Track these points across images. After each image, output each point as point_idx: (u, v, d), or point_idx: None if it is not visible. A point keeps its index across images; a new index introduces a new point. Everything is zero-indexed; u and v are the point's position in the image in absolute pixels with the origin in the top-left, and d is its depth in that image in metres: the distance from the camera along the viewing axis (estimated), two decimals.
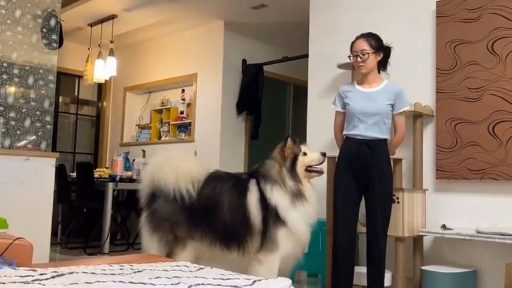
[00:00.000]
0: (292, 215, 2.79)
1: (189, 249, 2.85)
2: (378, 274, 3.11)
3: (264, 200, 2.82)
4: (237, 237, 2.78)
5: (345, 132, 3.17)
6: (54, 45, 4.09)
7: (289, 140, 3.07)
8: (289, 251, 2.77)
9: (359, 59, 3.07)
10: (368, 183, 3.04)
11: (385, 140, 3.10)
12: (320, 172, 3.09)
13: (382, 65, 3.22)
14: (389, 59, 3.26)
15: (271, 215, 2.75)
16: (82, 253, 5.29)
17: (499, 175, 3.37)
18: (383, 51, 3.15)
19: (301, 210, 2.84)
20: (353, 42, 3.18)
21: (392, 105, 3.08)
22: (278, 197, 2.81)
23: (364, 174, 3.01)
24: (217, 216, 2.82)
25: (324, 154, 3.10)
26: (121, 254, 5.29)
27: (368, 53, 3.06)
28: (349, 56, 3.21)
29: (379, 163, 3.04)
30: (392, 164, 3.77)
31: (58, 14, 4.12)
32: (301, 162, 3.04)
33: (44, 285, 1.48)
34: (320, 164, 3.08)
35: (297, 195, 2.86)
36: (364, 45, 3.09)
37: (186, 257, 2.76)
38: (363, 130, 3.04)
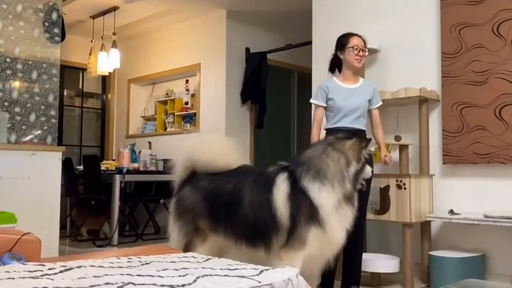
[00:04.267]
0: (333, 220, 2.50)
1: (209, 242, 2.74)
2: (358, 256, 3.22)
3: (297, 195, 2.52)
4: (262, 234, 2.57)
5: (328, 126, 3.24)
6: (57, 38, 4.09)
7: (374, 145, 2.69)
8: (316, 251, 2.55)
9: (361, 54, 3.23)
10: None
11: (365, 131, 3.28)
12: (362, 188, 2.83)
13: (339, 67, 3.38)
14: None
15: (305, 213, 2.48)
16: (91, 245, 5.33)
17: (506, 159, 3.35)
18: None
19: (346, 215, 2.56)
20: (350, 38, 3.28)
21: (369, 101, 3.28)
22: (326, 198, 2.48)
23: None
24: (240, 212, 2.64)
25: (372, 171, 2.85)
26: (130, 246, 5.33)
27: (366, 51, 3.27)
28: (341, 50, 3.29)
29: None
30: (398, 150, 3.76)
31: (59, 8, 4.11)
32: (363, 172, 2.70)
33: (52, 279, 1.48)
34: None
35: (348, 198, 2.56)
36: (363, 42, 3.28)
37: (206, 250, 2.64)
38: (348, 123, 3.19)
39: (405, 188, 3.40)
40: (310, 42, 4.71)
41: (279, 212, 2.52)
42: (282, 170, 2.65)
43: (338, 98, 3.21)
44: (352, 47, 3.22)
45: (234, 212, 2.66)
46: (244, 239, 2.64)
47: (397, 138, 3.68)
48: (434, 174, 3.70)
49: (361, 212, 3.15)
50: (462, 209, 3.53)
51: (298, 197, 2.51)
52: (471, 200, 3.55)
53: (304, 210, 2.48)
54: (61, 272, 1.61)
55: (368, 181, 3.19)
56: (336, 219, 2.51)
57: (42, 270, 1.62)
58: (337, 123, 3.19)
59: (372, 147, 3.64)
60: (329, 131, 3.21)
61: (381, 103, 3.36)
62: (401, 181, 3.43)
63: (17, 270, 1.61)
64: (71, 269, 1.65)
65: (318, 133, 3.26)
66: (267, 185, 2.60)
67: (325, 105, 3.27)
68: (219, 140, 3.03)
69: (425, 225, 3.62)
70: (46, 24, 4.02)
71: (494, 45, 3.44)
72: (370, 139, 2.79)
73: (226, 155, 2.89)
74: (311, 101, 3.38)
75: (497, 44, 3.43)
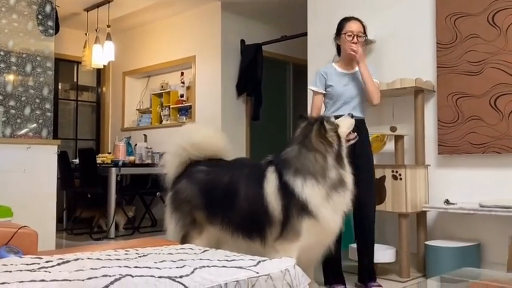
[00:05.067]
0: (325, 210, 2.48)
1: (206, 234, 2.75)
2: (369, 244, 3.18)
3: (284, 189, 2.52)
4: (257, 226, 2.58)
5: (328, 114, 3.15)
6: (51, 31, 4.06)
7: (326, 123, 2.62)
8: (312, 242, 2.54)
9: (355, 40, 3.14)
10: (354, 161, 3.04)
11: (364, 120, 3.23)
12: (356, 137, 2.77)
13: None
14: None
15: (295, 206, 2.47)
16: (88, 239, 5.33)
17: (501, 148, 3.36)
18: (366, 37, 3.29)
19: (337, 202, 2.53)
20: (346, 23, 3.21)
21: None
22: (311, 193, 2.47)
23: (352, 152, 3.00)
24: (236, 205, 2.66)
25: (351, 115, 2.80)
26: (127, 239, 5.33)
27: (363, 36, 3.18)
28: (337, 36, 3.25)
29: (364, 142, 3.14)
30: (394, 140, 3.77)
31: (53, 0, 4.07)
32: (343, 139, 2.68)
33: (50, 272, 1.48)
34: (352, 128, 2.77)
35: (338, 185, 2.52)
36: (361, 28, 3.19)
37: (203, 242, 2.65)
38: (348, 111, 3.07)
39: (401, 179, 3.42)
40: (305, 34, 4.70)
41: (271, 204, 2.54)
42: (270, 164, 2.65)
43: (337, 85, 3.16)
44: (346, 33, 3.16)
45: (229, 204, 2.67)
46: (241, 231, 2.65)
47: (393, 128, 3.68)
48: (429, 165, 3.72)
49: (369, 200, 3.16)
50: (458, 199, 3.54)
51: (286, 190, 2.52)
52: (466, 189, 3.57)
53: (295, 203, 2.49)
54: (58, 264, 1.61)
55: (370, 169, 3.18)
56: (328, 209, 2.50)
57: (39, 263, 1.62)
58: (337, 111, 3.13)
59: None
60: None
61: (376, 80, 3.22)
62: (397, 172, 3.44)
63: (14, 264, 1.61)
64: (68, 261, 1.65)
65: None
66: (259, 178, 2.61)
67: (324, 91, 3.22)
68: (205, 128, 3.04)
69: (421, 215, 3.64)
70: (40, 17, 3.99)
71: (490, 35, 3.44)
72: (323, 117, 2.67)
73: (215, 140, 2.91)
74: (309, 87, 3.33)
75: (492, 33, 3.43)
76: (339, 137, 2.64)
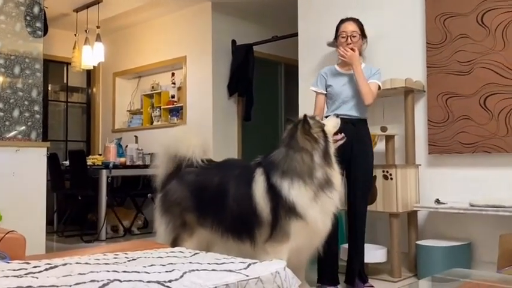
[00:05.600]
0: (313, 211, 2.46)
1: (197, 236, 2.73)
2: (359, 248, 3.17)
3: (272, 191, 2.51)
4: (246, 228, 2.57)
5: (328, 114, 3.19)
6: (39, 33, 4.02)
7: (310, 119, 2.61)
8: (301, 243, 2.54)
9: (349, 41, 3.16)
10: (351, 160, 3.06)
11: (365, 120, 3.23)
12: (344, 138, 2.78)
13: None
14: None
15: (283, 207, 2.46)
16: (79, 241, 5.29)
17: (491, 148, 3.38)
18: (366, 37, 3.30)
19: (325, 202, 2.50)
20: (341, 24, 3.25)
21: None
22: (297, 194, 2.46)
23: (349, 151, 3.02)
24: (225, 206, 2.64)
25: (336, 115, 2.83)
26: (118, 241, 5.30)
27: (358, 35, 3.19)
28: (335, 39, 3.30)
29: (363, 140, 3.16)
30: (384, 140, 3.78)
31: (41, 1, 4.04)
32: (330, 136, 2.67)
33: (37, 278, 1.47)
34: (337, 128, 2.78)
35: (325, 185, 2.50)
36: (354, 27, 3.20)
37: (194, 244, 2.64)
38: (346, 110, 3.14)
39: (391, 179, 3.42)
40: (296, 34, 4.69)
41: (259, 206, 2.53)
42: (258, 166, 2.65)
43: (336, 85, 3.20)
44: (340, 35, 3.22)
45: (219, 206, 2.66)
46: (230, 232, 2.64)
47: (383, 128, 3.69)
48: (420, 164, 3.73)
49: (363, 203, 3.17)
50: (448, 199, 3.56)
51: (274, 192, 2.51)
52: (457, 189, 3.58)
53: (283, 205, 2.48)
54: (46, 270, 1.59)
55: (367, 169, 3.17)
56: (316, 210, 2.49)
57: (26, 269, 1.60)
58: (336, 111, 3.15)
59: None
60: None
61: (375, 81, 3.18)
62: (387, 171, 3.45)
63: (1, 269, 1.59)
64: (56, 266, 1.64)
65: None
66: (248, 180, 2.60)
67: (325, 92, 3.26)
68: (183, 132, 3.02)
69: (411, 215, 3.65)
70: (28, 18, 3.96)
71: (479, 35, 3.45)
72: (306, 115, 2.64)
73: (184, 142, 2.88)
74: (311, 88, 3.36)
75: (481, 33, 3.44)
76: (325, 134, 2.63)
